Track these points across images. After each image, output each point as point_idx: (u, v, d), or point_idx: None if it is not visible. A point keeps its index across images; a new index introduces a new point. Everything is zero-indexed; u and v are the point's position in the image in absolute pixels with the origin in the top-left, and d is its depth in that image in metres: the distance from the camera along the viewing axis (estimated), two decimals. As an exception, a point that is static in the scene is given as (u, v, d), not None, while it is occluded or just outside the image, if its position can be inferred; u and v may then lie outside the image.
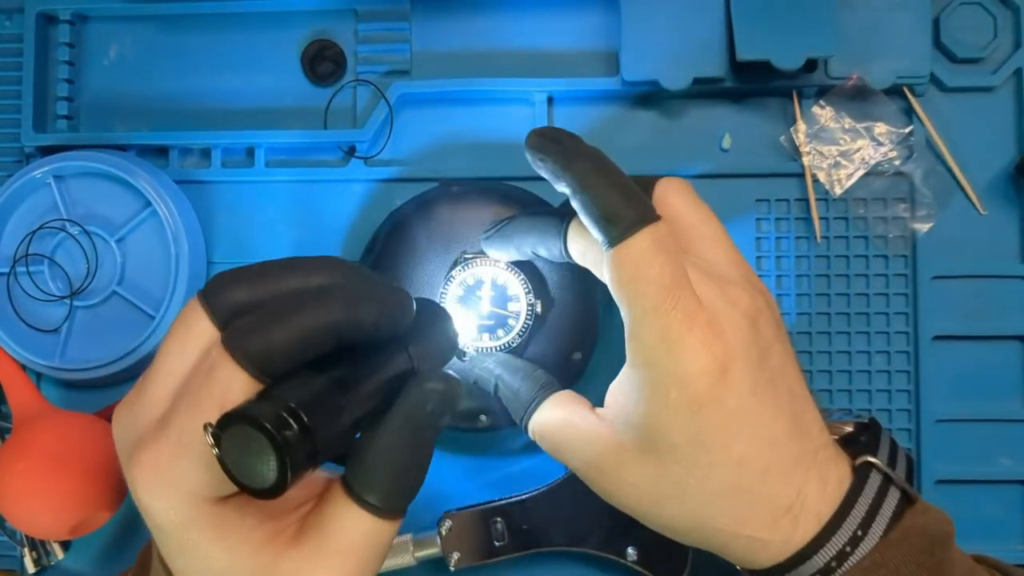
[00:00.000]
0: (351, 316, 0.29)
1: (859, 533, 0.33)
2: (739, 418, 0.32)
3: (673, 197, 0.37)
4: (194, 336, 0.30)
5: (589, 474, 0.36)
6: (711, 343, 0.32)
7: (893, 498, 0.34)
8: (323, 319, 0.29)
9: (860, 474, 0.34)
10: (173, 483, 0.29)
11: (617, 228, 0.32)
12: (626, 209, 0.33)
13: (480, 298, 0.45)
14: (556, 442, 0.37)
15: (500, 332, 0.44)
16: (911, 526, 0.33)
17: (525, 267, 0.45)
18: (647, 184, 0.37)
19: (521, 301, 0.44)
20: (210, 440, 0.27)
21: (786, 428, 0.33)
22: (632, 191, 0.33)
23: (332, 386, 0.29)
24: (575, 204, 0.34)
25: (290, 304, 0.29)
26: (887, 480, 0.34)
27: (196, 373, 0.29)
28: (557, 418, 0.37)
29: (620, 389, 0.35)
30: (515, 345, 0.44)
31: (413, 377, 0.32)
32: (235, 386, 0.28)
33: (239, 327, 0.29)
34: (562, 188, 0.34)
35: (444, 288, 0.45)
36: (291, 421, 0.27)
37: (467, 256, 0.45)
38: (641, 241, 0.32)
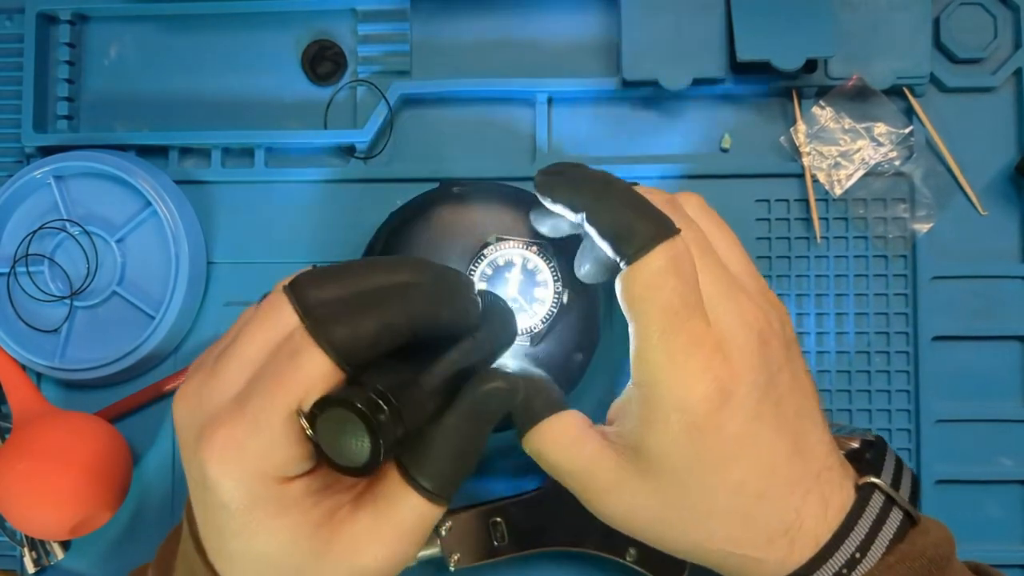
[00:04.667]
0: (430, 311, 0.31)
1: (857, 555, 0.33)
2: (740, 443, 0.32)
3: (688, 209, 0.37)
4: (277, 325, 0.31)
5: (585, 494, 0.36)
6: (716, 368, 0.32)
7: (895, 520, 0.34)
8: (405, 312, 0.31)
9: (862, 495, 0.34)
10: (246, 461, 0.29)
11: (631, 247, 0.32)
12: (639, 225, 0.32)
13: (508, 280, 0.46)
14: (555, 460, 0.36)
15: (523, 316, 0.45)
16: (910, 549, 0.33)
17: (557, 256, 0.45)
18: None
19: (549, 288, 0.45)
20: (304, 423, 0.29)
21: (787, 451, 0.33)
22: (644, 207, 0.33)
23: (414, 375, 0.31)
24: (590, 230, 0.34)
25: (374, 298, 0.31)
26: (889, 501, 0.34)
27: (277, 358, 0.30)
28: (557, 435, 0.37)
29: (622, 407, 0.35)
30: (536, 331, 0.44)
31: (477, 373, 0.33)
32: (318, 371, 0.29)
33: (325, 316, 0.30)
34: (578, 218, 0.34)
35: (472, 267, 0.45)
36: (383, 405, 0.29)
37: (501, 237, 0.45)
38: (655, 260, 0.32)
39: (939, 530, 0.34)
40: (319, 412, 0.29)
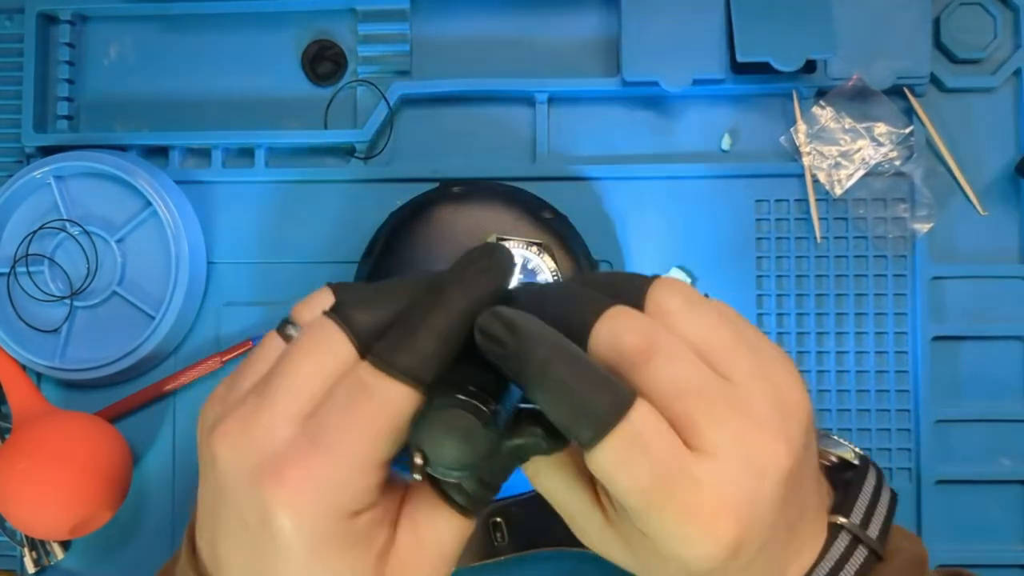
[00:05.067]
0: (481, 306, 0.30)
1: None
2: (738, 571, 0.30)
3: (670, 302, 0.31)
4: (331, 354, 0.30)
5: (574, 529, 0.35)
6: (719, 531, 0.28)
7: (858, 559, 0.32)
8: (458, 314, 0.30)
9: (829, 535, 0.33)
10: (322, 498, 0.29)
11: (583, 435, 0.28)
12: (589, 410, 0.28)
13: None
14: (548, 493, 0.35)
15: None
16: None
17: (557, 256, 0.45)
18: (639, 286, 0.31)
19: None
20: (418, 459, 0.29)
21: (785, 541, 0.31)
22: (592, 386, 0.28)
23: (499, 378, 0.30)
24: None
25: (423, 312, 0.30)
26: (855, 541, 0.32)
27: (345, 390, 0.29)
28: (557, 477, 0.35)
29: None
30: None
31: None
32: (398, 399, 0.29)
33: (386, 345, 0.29)
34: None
35: None
36: (485, 410, 0.29)
37: (500, 238, 0.45)
38: (614, 446, 0.28)
39: (904, 559, 0.33)
40: (422, 430, 0.29)
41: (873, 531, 0.33)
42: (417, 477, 0.29)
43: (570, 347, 0.28)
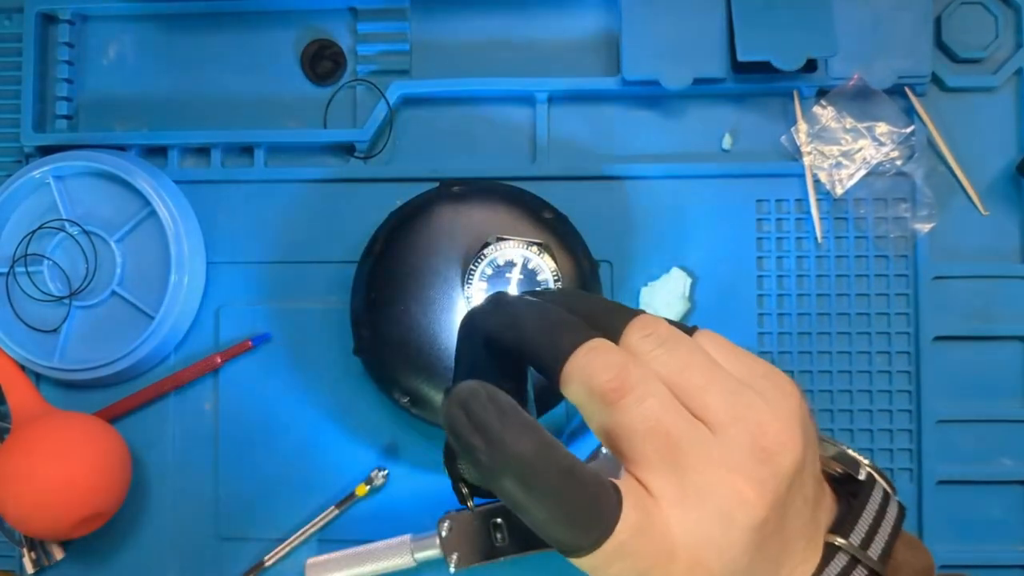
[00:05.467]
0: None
1: None
2: None
3: (646, 342, 0.30)
4: None
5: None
6: None
7: None
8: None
9: (826, 554, 0.32)
10: None
11: (567, 551, 0.28)
12: (570, 537, 0.27)
13: (508, 280, 0.46)
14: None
15: None
16: None
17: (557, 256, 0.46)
18: (619, 319, 0.31)
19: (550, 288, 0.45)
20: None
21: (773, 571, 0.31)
22: (573, 504, 0.27)
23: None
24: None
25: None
26: (853, 561, 0.31)
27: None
28: None
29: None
30: None
31: None
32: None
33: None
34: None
35: (472, 267, 0.45)
36: None
37: (501, 237, 0.45)
38: (599, 559, 0.28)
39: (906, 574, 0.32)
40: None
41: (875, 550, 0.32)
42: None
43: (550, 459, 0.27)
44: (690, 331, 0.31)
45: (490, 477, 0.27)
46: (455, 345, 0.33)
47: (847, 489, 0.34)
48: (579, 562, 0.28)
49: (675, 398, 0.29)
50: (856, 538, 0.32)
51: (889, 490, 0.34)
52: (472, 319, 0.32)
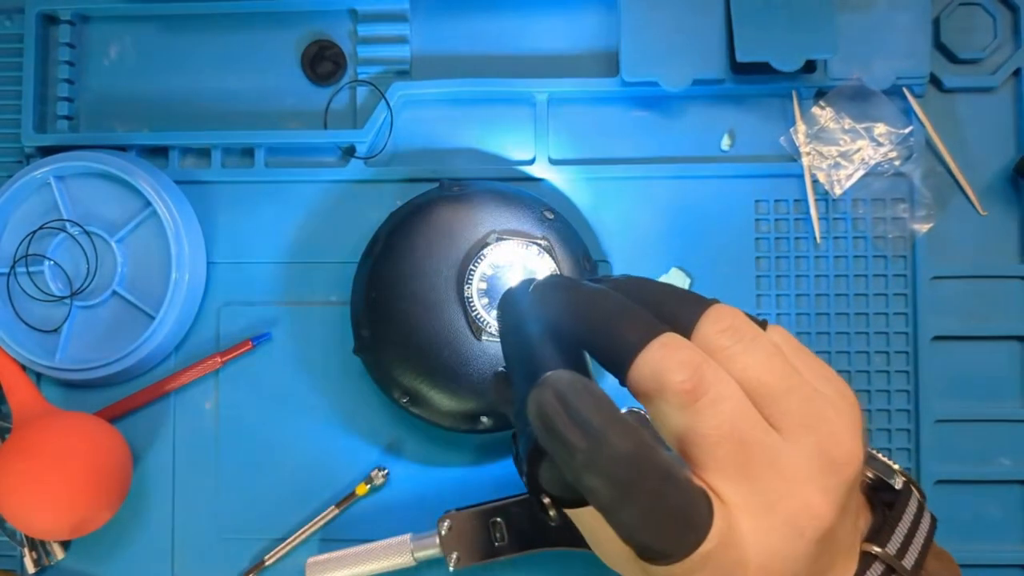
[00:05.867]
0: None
1: None
2: None
3: (722, 337, 0.29)
4: None
5: (583, 531, 0.34)
6: None
7: None
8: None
9: (862, 565, 0.31)
10: None
11: (656, 560, 0.27)
12: (662, 545, 0.26)
13: (508, 280, 0.46)
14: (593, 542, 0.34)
15: None
16: None
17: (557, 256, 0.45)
18: (691, 310, 0.29)
19: None
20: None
21: None
22: (667, 514, 0.26)
23: None
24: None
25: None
26: (889, 571, 0.31)
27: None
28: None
29: None
30: None
31: None
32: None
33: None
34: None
35: (472, 267, 0.45)
36: None
37: (501, 237, 0.45)
38: (676, 568, 0.27)
39: None
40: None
41: (910, 560, 0.31)
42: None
43: (650, 464, 0.25)
44: (762, 324, 0.30)
45: (584, 476, 0.25)
46: (498, 328, 0.31)
47: (880, 497, 0.33)
48: (660, 570, 0.27)
49: (749, 401, 0.28)
50: (892, 547, 0.31)
51: (922, 499, 0.34)
52: (520, 300, 0.31)
